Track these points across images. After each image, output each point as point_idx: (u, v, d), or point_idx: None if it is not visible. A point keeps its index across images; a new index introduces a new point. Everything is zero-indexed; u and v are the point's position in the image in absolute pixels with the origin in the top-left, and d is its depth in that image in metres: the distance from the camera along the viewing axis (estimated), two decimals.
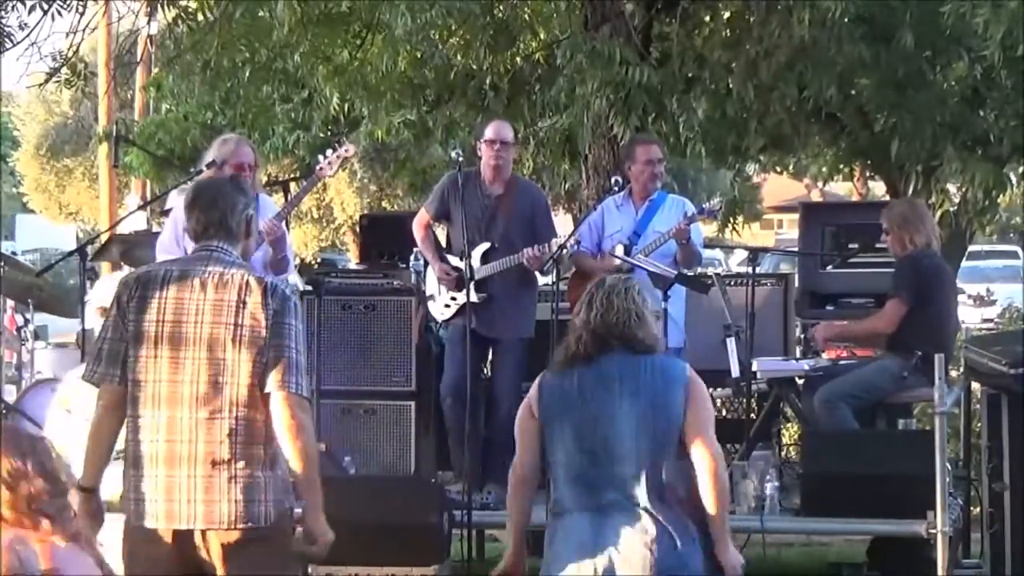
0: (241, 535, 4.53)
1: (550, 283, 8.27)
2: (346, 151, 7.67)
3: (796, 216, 11.32)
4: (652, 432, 4.85)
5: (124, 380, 4.57)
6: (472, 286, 7.68)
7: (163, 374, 4.54)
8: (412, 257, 8.63)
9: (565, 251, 7.88)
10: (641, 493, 4.82)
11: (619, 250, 8.03)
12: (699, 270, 8.57)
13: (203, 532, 4.51)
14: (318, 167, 7.49)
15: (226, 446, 4.53)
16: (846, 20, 9.08)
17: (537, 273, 8.05)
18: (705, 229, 8.62)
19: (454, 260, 7.98)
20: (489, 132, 7.90)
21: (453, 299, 7.95)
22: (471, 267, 7.72)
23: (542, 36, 11.29)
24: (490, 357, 8.07)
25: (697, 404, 4.91)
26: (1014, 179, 10.56)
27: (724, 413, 9.12)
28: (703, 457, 4.88)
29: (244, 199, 4.78)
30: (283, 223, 7.35)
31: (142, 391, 4.55)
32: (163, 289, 4.59)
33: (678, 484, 4.92)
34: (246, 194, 4.83)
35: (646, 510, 4.81)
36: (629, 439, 4.85)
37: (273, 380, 4.53)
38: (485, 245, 7.83)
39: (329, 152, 7.59)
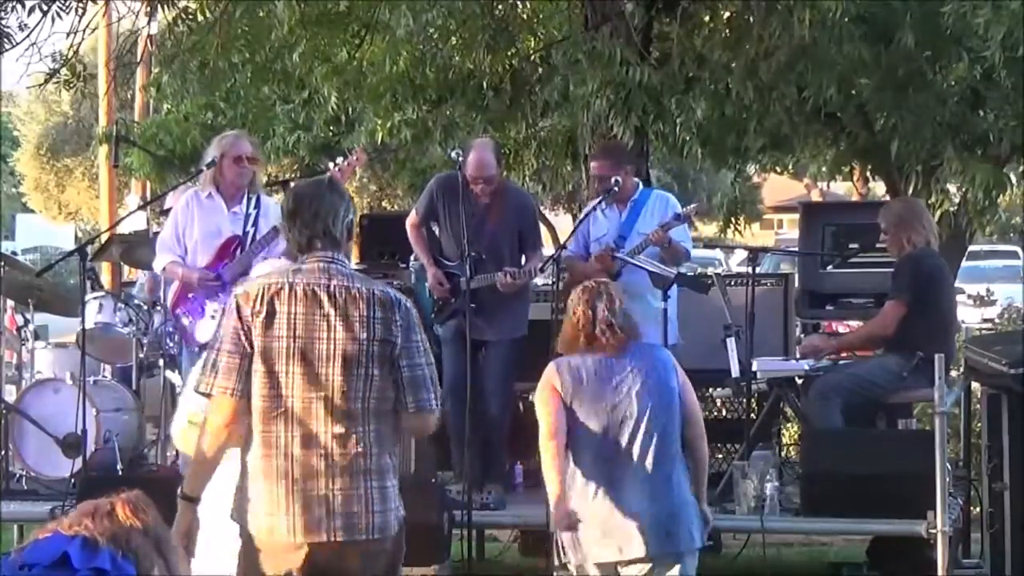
0: (375, 545, 4.56)
1: (550, 283, 8.28)
2: (357, 159, 7.68)
3: (796, 216, 11.32)
4: (659, 411, 5.54)
5: (245, 394, 4.50)
6: (464, 294, 7.71)
7: (296, 390, 4.50)
8: (412, 257, 8.63)
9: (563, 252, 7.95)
10: (650, 464, 5.48)
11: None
12: (699, 270, 8.59)
13: (340, 544, 4.50)
14: (328, 174, 7.50)
15: (361, 459, 4.54)
16: (846, 20, 9.06)
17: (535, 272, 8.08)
18: (706, 229, 8.65)
19: (446, 264, 8.00)
20: (471, 167, 7.84)
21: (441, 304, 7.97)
22: (471, 269, 7.74)
23: (541, 36, 11.27)
24: (481, 358, 8.04)
25: (687, 387, 5.73)
26: (1014, 179, 10.54)
27: (724, 413, 9.13)
28: (698, 433, 5.72)
29: (344, 203, 4.72)
30: None
31: (273, 407, 4.50)
32: (290, 304, 4.53)
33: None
34: (345, 197, 4.76)
35: (654, 479, 5.49)
36: (642, 417, 5.50)
37: (409, 399, 4.59)
38: (472, 255, 7.81)
39: (340, 160, 7.61)
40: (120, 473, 7.99)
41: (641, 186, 8.43)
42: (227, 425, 4.53)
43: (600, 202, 8.22)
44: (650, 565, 5.47)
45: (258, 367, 4.50)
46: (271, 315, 4.51)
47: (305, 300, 4.54)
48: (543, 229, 10.80)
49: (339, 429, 4.52)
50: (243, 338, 4.51)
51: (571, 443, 5.55)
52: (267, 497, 4.50)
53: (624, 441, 5.50)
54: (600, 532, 5.47)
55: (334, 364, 4.53)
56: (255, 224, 7.70)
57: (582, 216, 8.27)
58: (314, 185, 4.94)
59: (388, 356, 4.57)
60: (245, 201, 7.78)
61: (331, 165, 7.58)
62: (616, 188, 8.18)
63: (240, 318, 4.53)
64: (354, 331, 4.55)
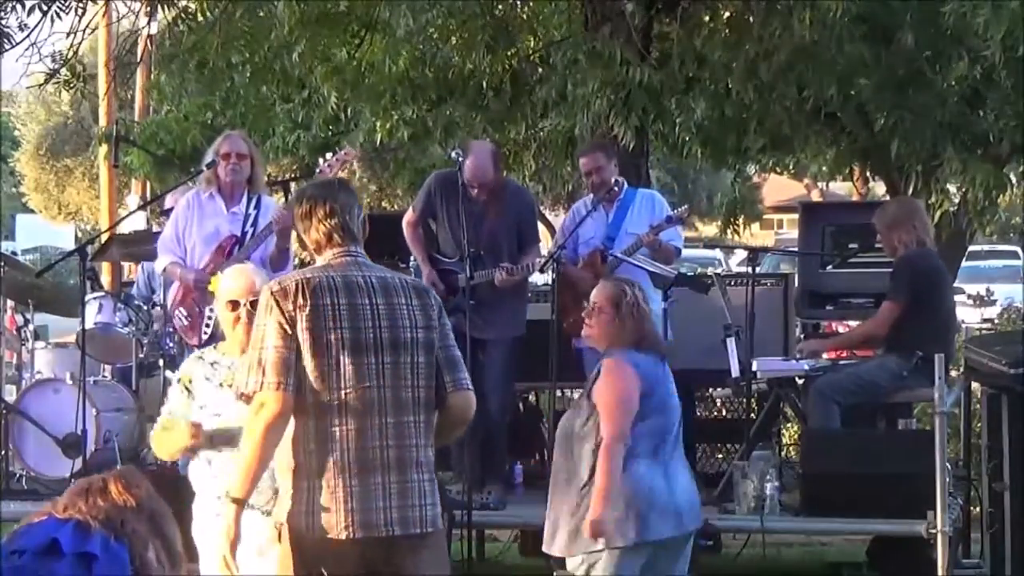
0: (428, 539, 4.56)
1: (549, 283, 8.28)
2: (346, 154, 7.73)
3: (796, 216, 11.32)
4: (680, 407, 5.96)
5: (295, 389, 4.42)
6: (463, 292, 7.71)
7: (348, 381, 4.45)
8: (411, 257, 8.64)
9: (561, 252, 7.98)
10: (681, 454, 5.96)
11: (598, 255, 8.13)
12: (699, 270, 8.59)
13: (394, 538, 4.47)
14: (318, 170, 7.56)
15: (414, 450, 4.53)
16: (846, 20, 9.06)
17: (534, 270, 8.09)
18: (706, 229, 8.66)
19: (444, 261, 8.01)
20: (467, 171, 7.89)
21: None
22: (470, 269, 7.75)
23: (541, 36, 11.28)
24: (480, 357, 8.05)
25: None
26: (1014, 179, 10.56)
27: (724, 413, 9.14)
28: None
29: (356, 200, 4.74)
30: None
31: (325, 400, 4.44)
32: (333, 296, 4.48)
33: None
34: (355, 195, 4.79)
35: (684, 467, 5.97)
36: (679, 413, 5.91)
37: (448, 379, 4.62)
38: (472, 252, 7.82)
39: (329, 155, 7.65)
40: None
41: (626, 185, 8.39)
42: (278, 423, 4.44)
43: (597, 203, 8.20)
44: (687, 538, 5.88)
45: (307, 361, 4.44)
46: (316, 308, 4.45)
47: (347, 291, 4.51)
48: (543, 229, 10.82)
49: (392, 419, 4.49)
50: (289, 331, 4.44)
51: (634, 434, 5.70)
52: (322, 494, 4.43)
53: (673, 434, 5.85)
54: (662, 512, 5.70)
55: (383, 353, 4.50)
56: (254, 224, 7.71)
57: (582, 218, 8.23)
58: (324, 185, 4.94)
59: (431, 342, 4.59)
60: (245, 201, 7.78)
61: (321, 161, 7.62)
62: (617, 188, 8.18)
63: (282, 312, 4.45)
64: (398, 319, 4.54)
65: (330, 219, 4.62)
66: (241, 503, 4.50)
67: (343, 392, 4.45)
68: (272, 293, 4.51)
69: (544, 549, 5.90)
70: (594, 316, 5.87)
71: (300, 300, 4.45)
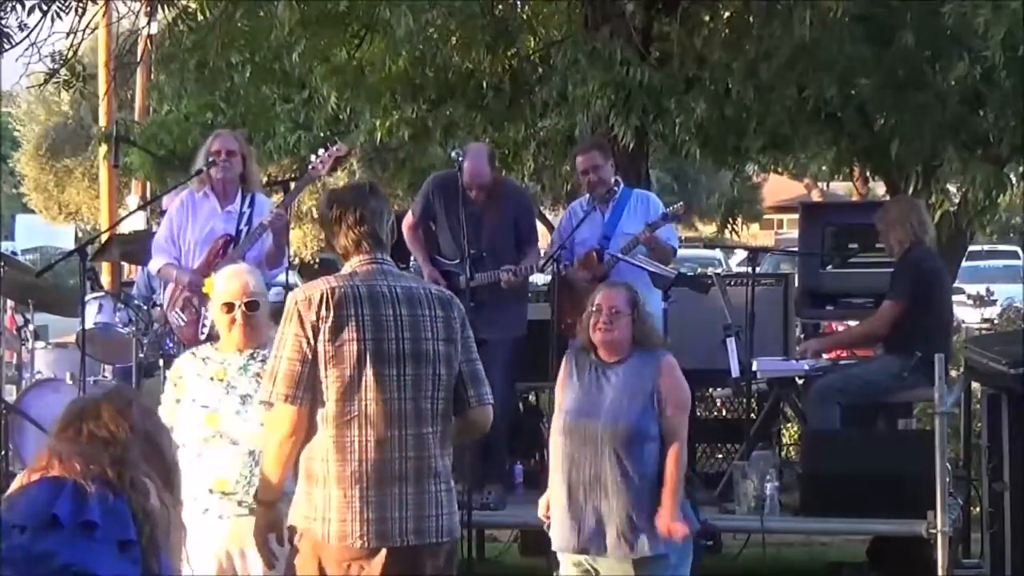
0: (444, 547, 4.59)
1: (548, 283, 8.28)
2: (338, 150, 7.77)
3: (796, 216, 11.32)
4: None
5: (307, 402, 4.45)
6: (463, 293, 7.72)
7: (368, 392, 4.46)
8: (412, 258, 8.64)
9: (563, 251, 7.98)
10: None
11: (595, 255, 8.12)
12: (699, 270, 8.59)
13: (411, 548, 4.49)
14: (310, 166, 7.61)
15: (432, 461, 4.55)
16: (846, 20, 9.06)
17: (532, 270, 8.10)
18: (706, 229, 8.67)
19: (444, 263, 8.01)
20: (466, 175, 7.89)
21: None
22: (471, 268, 7.75)
23: (541, 36, 11.28)
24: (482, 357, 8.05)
25: None
26: (1014, 179, 10.54)
27: (724, 413, 9.14)
28: None
29: (385, 205, 4.74)
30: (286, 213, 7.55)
31: (346, 411, 4.46)
32: (357, 307, 4.49)
33: None
34: (384, 201, 4.78)
35: None
36: None
37: (471, 393, 4.66)
38: (472, 254, 7.82)
39: (322, 151, 7.68)
40: None
41: (622, 185, 8.38)
42: (291, 435, 4.48)
43: (594, 202, 8.18)
44: None
45: (329, 372, 4.46)
46: (340, 319, 4.47)
47: (371, 302, 4.52)
48: (543, 229, 10.81)
49: (412, 431, 4.51)
50: (305, 345, 4.46)
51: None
52: (340, 503, 4.46)
53: None
54: None
55: (405, 365, 4.52)
56: (248, 222, 7.71)
57: (580, 219, 8.22)
58: (355, 190, 4.92)
59: (452, 355, 4.61)
60: (239, 199, 7.78)
61: (313, 157, 7.66)
62: (616, 188, 8.17)
63: (303, 324, 4.47)
64: (421, 331, 4.56)
65: (359, 226, 4.62)
66: (268, 503, 4.61)
67: (364, 403, 4.47)
68: (296, 302, 4.53)
69: (610, 553, 5.69)
70: (615, 320, 5.74)
71: (323, 311, 4.47)
